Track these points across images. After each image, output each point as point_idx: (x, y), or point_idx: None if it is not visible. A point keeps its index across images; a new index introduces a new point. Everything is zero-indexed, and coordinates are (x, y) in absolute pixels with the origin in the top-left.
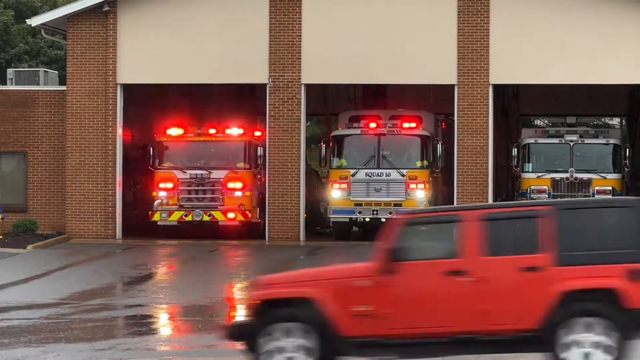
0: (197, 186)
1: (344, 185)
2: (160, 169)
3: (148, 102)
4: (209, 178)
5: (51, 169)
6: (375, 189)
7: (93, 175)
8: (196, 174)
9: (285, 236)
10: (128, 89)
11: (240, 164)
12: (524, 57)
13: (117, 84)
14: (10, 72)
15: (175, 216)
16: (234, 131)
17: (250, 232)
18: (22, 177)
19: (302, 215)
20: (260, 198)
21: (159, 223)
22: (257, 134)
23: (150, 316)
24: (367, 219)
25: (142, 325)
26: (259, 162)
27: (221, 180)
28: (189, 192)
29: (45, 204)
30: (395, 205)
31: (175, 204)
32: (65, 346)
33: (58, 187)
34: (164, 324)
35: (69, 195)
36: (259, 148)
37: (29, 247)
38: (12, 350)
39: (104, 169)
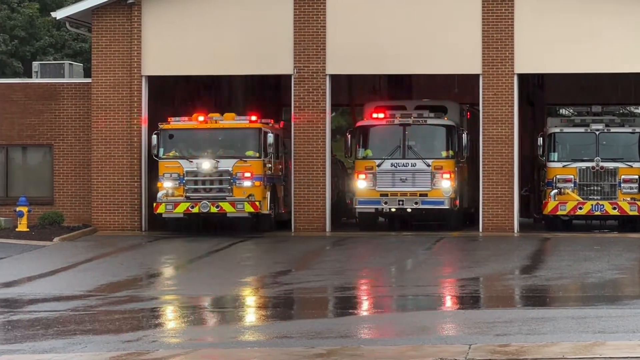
0: (204, 176)
1: (370, 176)
2: (165, 158)
3: (172, 94)
4: (216, 168)
5: (77, 161)
6: (400, 179)
7: (118, 167)
8: (203, 164)
9: (311, 227)
10: (153, 81)
11: (250, 153)
12: (549, 45)
13: (141, 76)
14: (35, 65)
15: (181, 208)
16: (243, 118)
17: (260, 224)
18: (48, 170)
19: (328, 206)
20: (271, 188)
21: (163, 215)
22: (267, 121)
23: (178, 308)
24: (393, 210)
25: (168, 317)
26: (269, 151)
27: (229, 169)
28: (196, 182)
29: (71, 197)
30: (420, 195)
31: (181, 195)
32: (92, 338)
33: (84, 179)
34: (190, 315)
35: (95, 187)
36: (269, 135)
37: (56, 239)
38: (40, 342)
39: (129, 161)
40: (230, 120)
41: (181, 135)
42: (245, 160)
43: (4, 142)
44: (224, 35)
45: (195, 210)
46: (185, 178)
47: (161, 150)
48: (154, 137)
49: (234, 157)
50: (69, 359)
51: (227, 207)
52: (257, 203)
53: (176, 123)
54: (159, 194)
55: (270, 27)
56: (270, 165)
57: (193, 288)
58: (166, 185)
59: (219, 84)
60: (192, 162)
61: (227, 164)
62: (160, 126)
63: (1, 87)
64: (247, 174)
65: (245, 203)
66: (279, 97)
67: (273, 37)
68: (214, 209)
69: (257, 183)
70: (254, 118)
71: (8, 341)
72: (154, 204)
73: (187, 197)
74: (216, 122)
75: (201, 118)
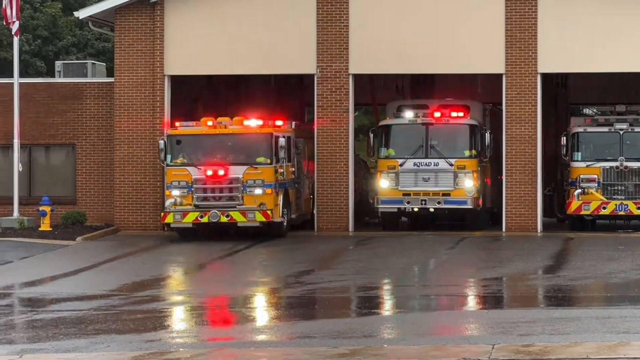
0: (214, 184)
1: (392, 175)
2: (172, 165)
3: (195, 93)
4: (226, 175)
5: (100, 160)
6: (423, 178)
7: (141, 167)
8: (212, 171)
9: (335, 226)
10: (175, 80)
11: (261, 159)
12: (572, 45)
13: (164, 75)
14: (58, 64)
15: (190, 218)
16: (253, 123)
17: (271, 231)
18: (71, 169)
19: (351, 206)
20: (283, 193)
21: (172, 226)
22: (279, 123)
23: (200, 307)
24: (416, 209)
25: (190, 316)
26: (281, 156)
27: (239, 177)
28: (205, 190)
29: (94, 196)
30: (443, 195)
31: (190, 204)
32: (115, 337)
33: (106, 179)
34: (213, 315)
35: (118, 187)
36: (281, 140)
37: (79, 238)
38: (63, 342)
39: (152, 160)
40: (240, 125)
41: (189, 141)
42: (256, 167)
43: (27, 141)
44: (247, 35)
45: (205, 219)
46: (194, 186)
47: (168, 157)
48: (161, 142)
49: (245, 164)
50: (92, 358)
51: (237, 216)
52: (268, 212)
53: (184, 128)
54: (167, 203)
55: (293, 27)
56: (282, 170)
57: (215, 288)
58: (174, 193)
59: (242, 84)
60: (200, 169)
61: (237, 171)
62: (167, 132)
63: (24, 86)
64: (259, 181)
65: (257, 212)
66: (302, 96)
67: (296, 36)
68: (224, 219)
69: (269, 191)
70: (262, 122)
71: (31, 340)
72: (162, 214)
73: (196, 206)
74: (225, 127)
75: (210, 123)
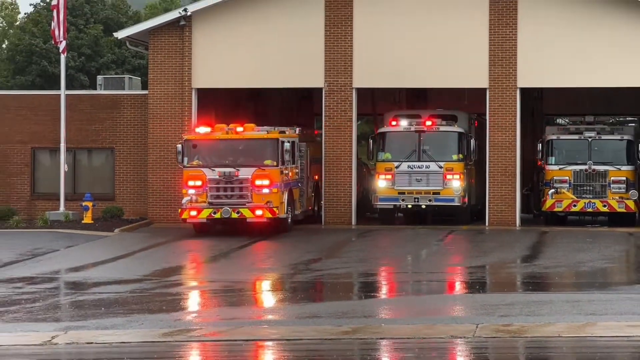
0: (226, 184)
1: (389, 176)
2: (189, 167)
3: (219, 104)
4: (237, 176)
5: (135, 162)
6: (416, 179)
7: (171, 168)
8: (224, 172)
9: (340, 221)
10: (201, 92)
11: (268, 162)
12: (547, 63)
13: (192, 88)
14: (99, 78)
15: (204, 214)
16: (261, 129)
17: (278, 227)
18: (110, 170)
19: (354, 202)
20: (288, 192)
21: (188, 221)
22: (284, 129)
23: (221, 290)
24: (409, 206)
25: (214, 298)
26: (286, 159)
27: (249, 178)
28: (218, 189)
29: (130, 193)
30: (434, 193)
31: (204, 202)
32: (147, 316)
33: (141, 178)
34: (233, 297)
35: (151, 185)
36: (286, 145)
37: (116, 230)
38: (103, 320)
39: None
40: (249, 132)
41: (204, 145)
42: (264, 169)
43: (72, 145)
44: (264, 53)
45: (217, 215)
46: (208, 185)
47: (185, 160)
48: (179, 146)
49: (253, 166)
50: (128, 334)
51: (247, 212)
52: (275, 209)
53: (199, 134)
54: (184, 200)
55: (304, 46)
56: (287, 171)
57: (236, 274)
58: (190, 192)
59: (260, 95)
60: (214, 170)
61: (246, 173)
62: (184, 137)
63: (70, 97)
64: (266, 182)
65: (264, 209)
66: (312, 107)
67: (306, 55)
68: (234, 215)
69: (275, 190)
70: (269, 129)
71: (75, 318)
72: (179, 210)
73: (210, 204)
74: (236, 133)
75: (223, 129)
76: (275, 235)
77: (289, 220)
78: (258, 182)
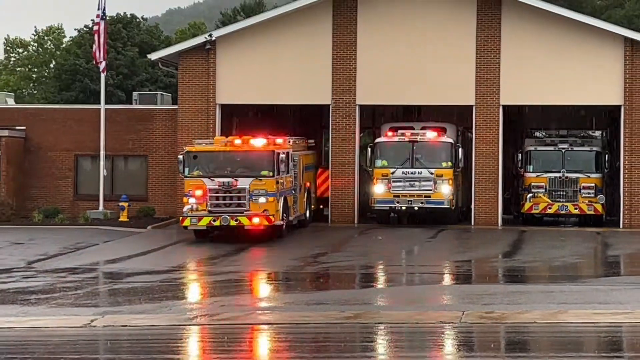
0: (224, 193)
1: (386, 181)
2: (190, 177)
3: (240, 117)
4: (236, 186)
5: (165, 168)
6: (410, 184)
7: None
8: (223, 182)
9: (344, 220)
10: (224, 107)
11: (264, 172)
12: (526, 84)
13: (216, 104)
14: (135, 94)
15: (204, 221)
16: (258, 142)
17: (273, 233)
18: (143, 174)
19: (357, 204)
20: (283, 201)
21: (189, 228)
22: (279, 141)
23: (240, 280)
24: (404, 208)
25: (233, 287)
26: (281, 169)
27: (246, 187)
28: (217, 198)
29: (161, 195)
30: (425, 197)
31: (204, 210)
32: (175, 302)
33: (171, 182)
34: (250, 286)
35: (179, 188)
36: (281, 156)
37: (149, 227)
38: (136, 306)
39: None
40: (247, 144)
41: (204, 156)
42: (261, 179)
43: (110, 152)
44: (279, 74)
45: (217, 223)
46: (208, 194)
47: (186, 170)
48: (180, 157)
49: (250, 176)
50: (158, 318)
51: (244, 220)
52: (271, 217)
53: (199, 146)
54: (185, 209)
55: (314, 68)
56: (282, 181)
57: (253, 265)
58: (191, 200)
59: (275, 110)
60: (213, 180)
61: (244, 182)
62: (186, 148)
63: (109, 111)
64: (263, 191)
65: (261, 217)
66: (320, 121)
67: (316, 76)
68: (233, 222)
69: (271, 199)
70: (265, 142)
71: (111, 304)
72: (180, 218)
73: (209, 212)
74: (235, 145)
75: (222, 141)
76: (271, 240)
77: (284, 226)
78: (255, 192)
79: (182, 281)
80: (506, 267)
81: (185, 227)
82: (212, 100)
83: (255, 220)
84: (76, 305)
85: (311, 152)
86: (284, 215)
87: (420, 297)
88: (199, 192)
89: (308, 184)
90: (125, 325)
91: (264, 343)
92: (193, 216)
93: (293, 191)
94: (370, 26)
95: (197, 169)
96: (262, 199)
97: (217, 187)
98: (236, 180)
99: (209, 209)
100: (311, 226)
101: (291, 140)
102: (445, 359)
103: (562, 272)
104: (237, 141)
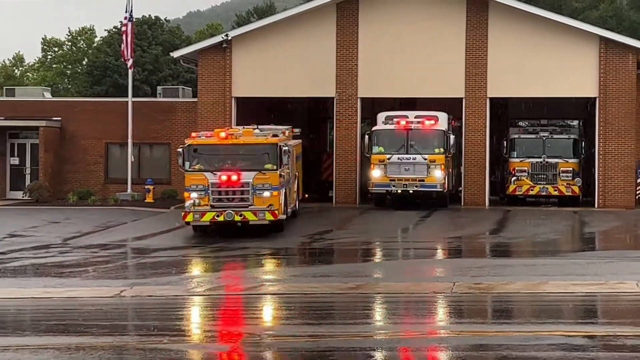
0: (227, 187)
1: (382, 166)
2: (191, 171)
3: (253, 109)
4: (239, 180)
5: None
6: (405, 168)
7: None
8: (226, 176)
9: (347, 201)
10: (239, 100)
11: (268, 166)
12: (511, 78)
13: (232, 97)
14: (159, 89)
15: (208, 217)
16: (261, 134)
17: (273, 227)
18: (166, 160)
19: (358, 186)
20: (284, 195)
21: (192, 224)
22: (280, 134)
23: (253, 255)
24: (399, 191)
25: (244, 262)
26: (284, 162)
27: (250, 181)
28: (220, 193)
29: (183, 179)
30: (419, 180)
31: (207, 205)
32: (196, 274)
33: None
34: (261, 261)
35: None
36: (284, 149)
37: (172, 208)
38: (160, 278)
39: None
40: (249, 137)
41: (205, 149)
42: (264, 173)
43: (137, 141)
44: (288, 69)
45: (221, 218)
46: (210, 189)
47: (187, 164)
48: (180, 150)
49: (254, 170)
50: (180, 289)
51: (249, 215)
52: (276, 211)
53: (200, 139)
54: (187, 204)
55: (320, 64)
56: (284, 174)
57: (264, 242)
58: (193, 195)
59: (285, 102)
60: (216, 174)
61: (248, 177)
62: (186, 141)
63: (135, 104)
64: (267, 185)
65: (266, 212)
66: (325, 112)
67: (322, 71)
68: (237, 218)
69: (275, 193)
70: (268, 134)
71: (138, 276)
72: (182, 213)
73: (212, 207)
74: (236, 138)
75: (223, 134)
76: (275, 233)
77: (284, 219)
78: (259, 186)
79: (202, 255)
80: (493, 243)
81: (188, 223)
82: (229, 94)
83: (261, 215)
84: (107, 278)
85: (298, 142)
86: (285, 208)
87: (415, 270)
88: (200, 187)
89: (297, 173)
90: (151, 296)
91: (275, 310)
92: (196, 212)
93: (289, 182)
94: (370, 27)
95: (198, 162)
96: (266, 193)
97: (219, 181)
98: (239, 174)
99: (212, 203)
100: (318, 206)
101: (286, 132)
102: (438, 325)
103: (543, 247)
104: (239, 133)
